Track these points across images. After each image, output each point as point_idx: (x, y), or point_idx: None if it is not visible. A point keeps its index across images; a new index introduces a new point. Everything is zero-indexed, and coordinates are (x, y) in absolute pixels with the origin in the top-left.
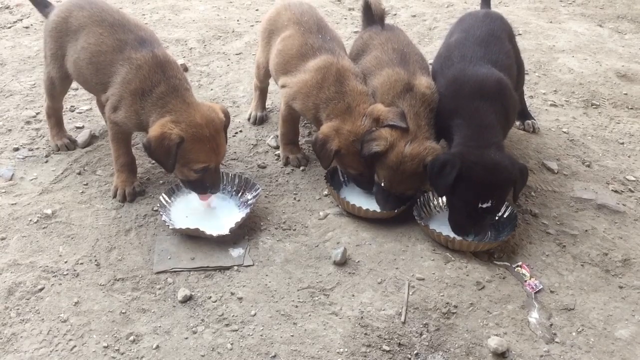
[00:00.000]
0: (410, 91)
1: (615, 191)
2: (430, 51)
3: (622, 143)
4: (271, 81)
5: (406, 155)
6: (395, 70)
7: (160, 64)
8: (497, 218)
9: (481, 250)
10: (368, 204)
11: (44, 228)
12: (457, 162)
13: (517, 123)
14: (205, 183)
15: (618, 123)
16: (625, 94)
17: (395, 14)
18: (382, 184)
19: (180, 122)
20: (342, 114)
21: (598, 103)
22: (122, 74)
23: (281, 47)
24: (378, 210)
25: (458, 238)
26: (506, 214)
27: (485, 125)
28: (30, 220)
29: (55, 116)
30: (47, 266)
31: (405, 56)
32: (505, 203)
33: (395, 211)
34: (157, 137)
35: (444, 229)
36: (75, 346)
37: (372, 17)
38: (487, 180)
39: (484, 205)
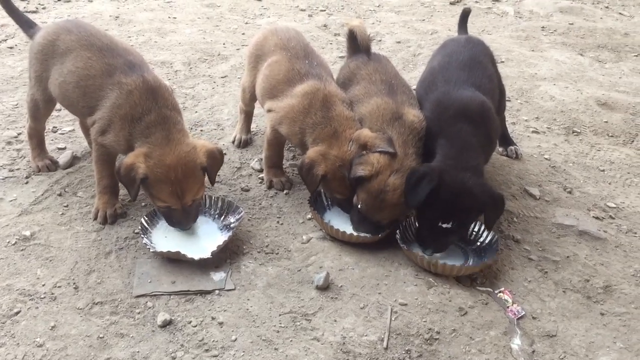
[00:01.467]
0: (399, 119)
1: (597, 218)
2: (414, 77)
3: (603, 170)
4: (256, 104)
5: (388, 184)
6: (384, 100)
7: (151, 90)
8: (479, 244)
9: (463, 274)
10: (352, 228)
11: (22, 250)
12: (434, 177)
13: (500, 149)
14: (172, 218)
15: (599, 150)
16: (606, 121)
17: (380, 40)
18: (359, 207)
19: (151, 158)
20: (328, 139)
21: (579, 130)
22: (112, 99)
23: (268, 72)
24: (362, 234)
25: (441, 262)
26: (488, 239)
27: (467, 147)
28: (8, 242)
29: (37, 137)
30: (24, 289)
31: (393, 87)
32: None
33: (380, 235)
34: (127, 165)
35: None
36: None
37: (358, 45)
38: (450, 202)
39: (444, 225)
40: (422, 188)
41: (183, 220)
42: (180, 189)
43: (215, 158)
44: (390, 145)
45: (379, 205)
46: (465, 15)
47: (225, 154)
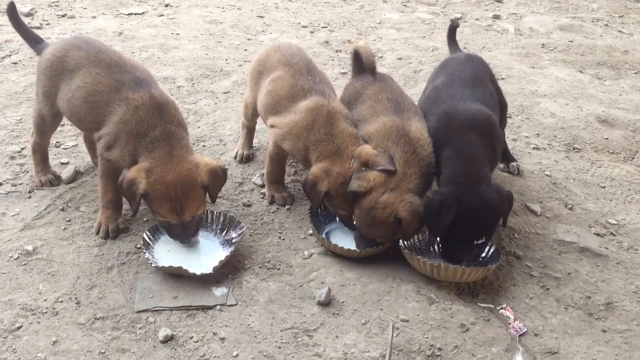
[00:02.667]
0: (404, 137)
1: (597, 234)
2: (415, 93)
3: (604, 187)
4: (258, 120)
5: (379, 202)
6: (391, 118)
7: (157, 106)
8: (480, 259)
9: (466, 280)
10: (339, 241)
11: (24, 265)
12: (453, 204)
13: (501, 165)
14: (172, 232)
15: (599, 167)
16: (606, 138)
17: (381, 57)
18: (355, 223)
19: (152, 173)
20: (331, 156)
21: (579, 147)
22: (119, 114)
23: (271, 87)
24: (344, 247)
25: (443, 265)
26: (490, 252)
27: (475, 159)
28: (11, 257)
29: (41, 152)
30: (26, 304)
31: (399, 105)
32: (489, 243)
33: (364, 249)
34: (129, 179)
35: (428, 258)
36: None
37: (362, 65)
38: (482, 221)
39: (480, 242)
40: (446, 216)
41: (182, 235)
42: (179, 206)
43: (218, 176)
44: (391, 163)
45: (369, 221)
46: (452, 29)
47: (227, 169)
